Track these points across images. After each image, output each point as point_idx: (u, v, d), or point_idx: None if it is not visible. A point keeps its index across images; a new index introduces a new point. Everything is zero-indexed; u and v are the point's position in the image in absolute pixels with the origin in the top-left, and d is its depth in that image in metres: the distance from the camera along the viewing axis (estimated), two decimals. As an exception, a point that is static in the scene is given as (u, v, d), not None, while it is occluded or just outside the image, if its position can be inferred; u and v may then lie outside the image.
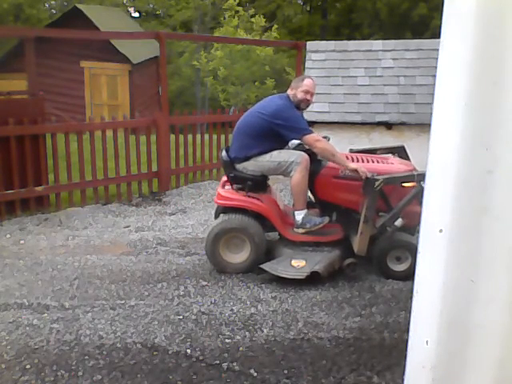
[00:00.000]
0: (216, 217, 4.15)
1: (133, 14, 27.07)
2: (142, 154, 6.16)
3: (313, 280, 3.52)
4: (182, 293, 3.45)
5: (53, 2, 26.51)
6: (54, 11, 25.31)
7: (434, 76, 1.59)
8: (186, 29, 23.17)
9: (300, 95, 3.83)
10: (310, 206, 3.95)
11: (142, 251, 4.30)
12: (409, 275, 3.61)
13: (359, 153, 4.20)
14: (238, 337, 2.87)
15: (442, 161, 1.53)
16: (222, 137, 7.13)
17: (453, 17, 1.48)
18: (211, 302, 3.30)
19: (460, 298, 1.53)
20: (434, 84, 1.56)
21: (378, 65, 5.49)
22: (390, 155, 4.31)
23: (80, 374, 2.52)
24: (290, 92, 3.89)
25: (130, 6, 27.24)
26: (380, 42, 5.79)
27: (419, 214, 4.07)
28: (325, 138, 3.99)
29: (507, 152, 1.42)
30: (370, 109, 5.22)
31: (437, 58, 1.55)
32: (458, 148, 1.47)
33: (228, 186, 3.98)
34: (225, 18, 18.11)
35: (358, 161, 3.86)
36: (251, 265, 3.75)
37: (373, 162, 3.91)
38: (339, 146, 5.26)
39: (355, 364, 2.62)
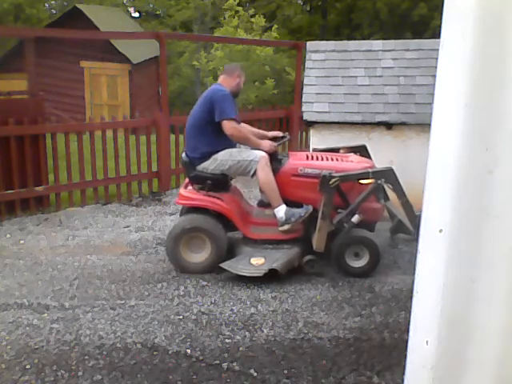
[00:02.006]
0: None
1: (133, 14, 27.07)
2: (141, 154, 6.16)
3: (272, 278, 3.54)
4: (181, 293, 3.45)
5: (53, 2, 26.51)
6: (54, 11, 25.31)
7: (434, 76, 1.59)
8: (186, 29, 23.16)
9: (236, 81, 3.99)
10: (267, 204, 3.99)
11: (142, 251, 4.30)
12: (367, 271, 3.70)
13: (322, 152, 4.27)
14: (238, 337, 2.87)
15: (441, 161, 1.53)
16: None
17: (453, 17, 1.48)
18: (211, 302, 3.30)
19: (460, 297, 1.53)
20: (434, 84, 1.56)
21: (377, 65, 5.49)
22: (351, 154, 4.37)
23: (80, 373, 2.52)
24: (223, 82, 3.98)
25: (130, 6, 27.24)
26: (380, 42, 5.79)
27: (378, 211, 4.09)
28: (283, 137, 4.11)
29: (507, 152, 1.42)
30: (369, 109, 5.22)
31: (437, 58, 1.55)
32: (458, 148, 1.47)
33: (191, 187, 3.99)
34: (225, 18, 18.08)
35: (317, 159, 3.94)
36: (212, 264, 3.75)
37: (332, 159, 3.97)
38: (339, 146, 5.29)
39: (355, 364, 2.62)
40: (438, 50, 1.53)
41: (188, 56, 19.66)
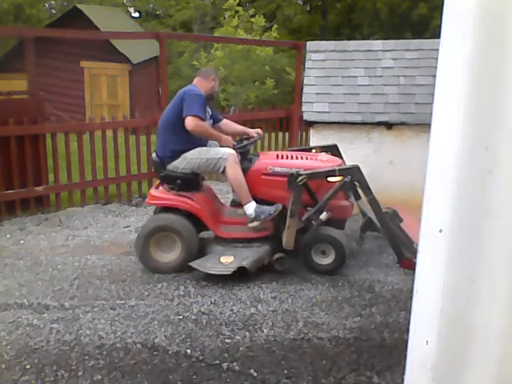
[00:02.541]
0: None
1: (133, 14, 27.09)
2: (142, 154, 6.16)
3: (242, 276, 3.56)
4: (181, 293, 3.45)
5: (53, 2, 26.52)
6: (54, 11, 25.32)
7: (434, 76, 1.59)
8: (186, 29, 23.18)
9: (211, 84, 4.04)
10: (238, 203, 4.02)
11: (142, 251, 4.29)
12: (333, 269, 3.74)
13: (293, 151, 4.36)
14: (238, 337, 2.87)
15: (441, 161, 1.53)
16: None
17: (453, 17, 1.47)
18: (211, 302, 3.30)
19: (460, 297, 1.53)
20: (434, 84, 1.56)
21: (377, 65, 5.49)
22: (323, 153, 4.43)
23: (80, 373, 2.52)
24: (198, 84, 4.03)
25: (130, 6, 27.26)
26: (380, 42, 5.79)
27: (346, 208, 4.15)
28: (242, 140, 4.11)
29: (507, 152, 1.42)
30: (369, 109, 5.22)
31: (437, 58, 1.55)
32: (458, 148, 1.47)
33: (162, 187, 4.00)
34: (225, 18, 18.08)
35: (287, 158, 4.00)
36: (183, 264, 3.75)
37: (301, 158, 4.02)
38: (339, 145, 5.29)
39: (355, 364, 2.62)
40: (438, 50, 1.53)
41: (188, 56, 19.65)
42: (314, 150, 4.46)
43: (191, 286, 3.55)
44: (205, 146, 3.98)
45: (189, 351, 2.72)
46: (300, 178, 3.63)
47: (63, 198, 5.64)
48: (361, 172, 3.73)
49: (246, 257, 3.64)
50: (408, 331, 1.75)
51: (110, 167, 5.90)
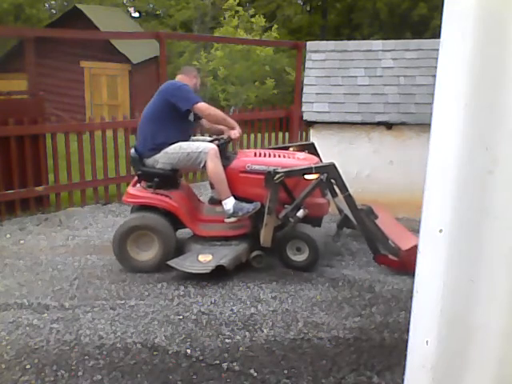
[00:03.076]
0: None
1: (133, 14, 27.09)
2: (141, 154, 6.15)
3: (220, 274, 3.56)
4: (181, 293, 3.45)
5: (53, 2, 26.51)
6: (54, 11, 25.32)
7: (434, 76, 1.59)
8: (186, 29, 23.16)
9: (193, 81, 4.04)
10: (216, 201, 4.03)
11: (142, 251, 4.30)
12: (307, 265, 3.80)
13: (271, 149, 4.40)
14: (238, 337, 2.87)
15: (441, 161, 1.53)
16: (222, 137, 7.12)
17: (453, 17, 1.47)
18: (211, 302, 3.30)
19: (460, 297, 1.53)
20: (434, 84, 1.56)
21: (377, 65, 5.49)
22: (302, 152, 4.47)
23: (80, 373, 2.52)
24: (181, 80, 4.02)
25: (130, 6, 27.26)
26: (380, 42, 5.79)
27: (323, 206, 4.19)
28: (218, 144, 4.05)
29: (507, 152, 1.42)
30: (369, 109, 5.22)
31: (437, 58, 1.55)
32: (458, 148, 1.47)
33: (139, 185, 4.00)
34: (225, 18, 18.09)
35: (264, 156, 4.04)
36: (160, 262, 3.75)
37: (279, 156, 4.06)
38: (339, 146, 5.30)
39: (355, 364, 2.62)
40: (438, 50, 1.53)
41: (188, 56, 19.64)
42: (291, 149, 4.50)
43: (191, 286, 3.55)
44: (187, 140, 3.96)
45: (189, 351, 2.72)
46: (277, 176, 3.67)
47: (63, 198, 5.64)
48: (337, 170, 3.78)
49: (225, 255, 3.65)
50: (408, 331, 1.75)
51: (110, 167, 5.90)
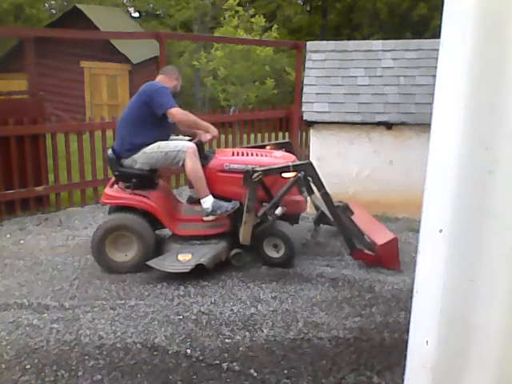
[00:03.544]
0: None
1: (133, 14, 27.10)
2: (141, 154, 6.15)
3: (200, 272, 3.57)
4: (181, 293, 3.45)
5: (53, 2, 26.52)
6: (54, 11, 25.33)
7: (434, 76, 1.59)
8: (186, 29, 23.17)
9: (174, 83, 4.04)
10: (195, 201, 4.03)
11: (142, 251, 4.29)
12: (284, 262, 3.86)
13: (248, 148, 4.41)
14: (238, 337, 2.87)
15: (442, 161, 1.53)
16: (222, 137, 7.13)
17: (453, 17, 1.47)
18: (211, 302, 3.30)
19: (460, 297, 1.53)
20: (434, 84, 1.56)
21: (377, 65, 5.49)
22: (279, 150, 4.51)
23: (80, 373, 2.52)
24: (161, 81, 4.02)
25: (130, 6, 27.26)
26: (380, 42, 5.79)
27: (300, 203, 4.25)
28: (196, 143, 4.03)
29: (507, 152, 1.42)
30: (369, 109, 5.22)
31: (437, 58, 1.55)
32: (458, 148, 1.47)
33: (117, 186, 3.98)
34: (225, 18, 18.11)
35: (242, 155, 4.06)
36: (140, 263, 3.74)
37: (256, 155, 4.08)
38: (339, 146, 5.30)
39: (355, 364, 2.62)
40: (438, 49, 1.53)
41: (188, 56, 19.66)
42: (268, 147, 4.53)
43: (191, 286, 3.55)
44: (166, 140, 3.95)
45: (189, 351, 2.72)
46: (255, 175, 3.72)
47: (63, 198, 5.64)
48: (314, 168, 3.85)
49: (204, 254, 3.66)
50: (408, 331, 1.75)
51: (110, 167, 5.90)
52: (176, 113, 3.76)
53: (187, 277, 3.68)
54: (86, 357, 2.66)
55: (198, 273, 3.57)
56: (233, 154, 4.07)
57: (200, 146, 3.96)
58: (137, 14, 27.79)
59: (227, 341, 2.83)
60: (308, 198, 4.16)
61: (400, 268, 3.85)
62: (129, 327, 2.96)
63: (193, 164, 3.77)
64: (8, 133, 5.10)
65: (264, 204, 3.88)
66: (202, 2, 21.06)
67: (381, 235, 3.97)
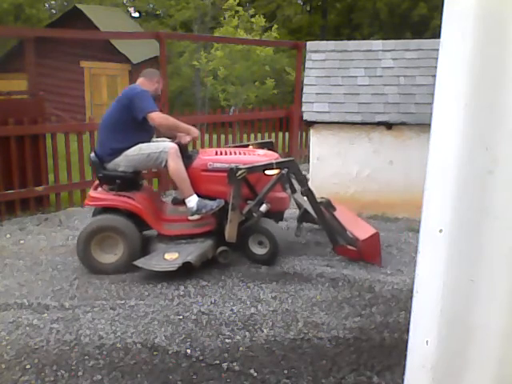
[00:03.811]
0: None
1: (133, 14, 27.11)
2: (141, 154, 6.15)
3: (187, 271, 3.58)
4: (181, 293, 3.45)
5: (53, 2, 26.54)
6: (54, 11, 25.35)
7: (434, 76, 1.59)
8: (186, 29, 23.17)
9: (154, 86, 4.03)
10: (179, 201, 4.05)
11: (142, 251, 4.30)
12: (269, 259, 3.91)
13: (231, 147, 4.49)
14: (238, 337, 2.87)
15: (442, 161, 1.53)
16: (222, 137, 7.13)
17: (453, 17, 1.47)
18: (211, 302, 3.30)
19: (460, 297, 1.53)
20: (434, 84, 1.56)
21: (377, 65, 5.49)
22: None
23: (80, 373, 2.52)
24: (142, 84, 4.00)
25: (130, 6, 27.27)
26: (380, 42, 5.79)
27: (284, 200, 4.16)
28: (178, 143, 4.03)
29: (507, 152, 1.42)
30: (369, 109, 5.22)
31: (437, 58, 1.55)
32: (458, 148, 1.47)
33: (101, 188, 3.99)
34: (225, 18, 18.10)
35: (225, 154, 4.10)
36: (126, 264, 3.74)
37: (239, 154, 4.13)
38: (339, 146, 5.30)
39: (355, 364, 2.62)
40: (438, 50, 1.53)
41: (188, 56, 19.65)
42: (250, 146, 4.57)
43: (191, 286, 3.55)
44: (147, 142, 3.94)
45: (189, 351, 2.72)
46: (239, 173, 3.75)
47: (63, 198, 5.64)
48: (296, 165, 3.91)
49: (191, 252, 3.67)
50: (408, 331, 1.75)
51: (110, 167, 5.90)
52: (156, 117, 3.77)
53: (187, 277, 3.68)
54: (86, 357, 2.66)
55: (186, 271, 3.57)
56: (216, 154, 4.10)
57: (182, 146, 3.97)
58: (137, 14, 27.81)
59: (227, 341, 2.83)
60: (290, 195, 4.20)
61: (381, 263, 3.92)
62: (129, 327, 2.96)
63: (175, 164, 3.79)
64: (8, 133, 5.10)
65: (248, 202, 3.92)
66: (202, 2, 21.06)
67: (363, 230, 4.02)
